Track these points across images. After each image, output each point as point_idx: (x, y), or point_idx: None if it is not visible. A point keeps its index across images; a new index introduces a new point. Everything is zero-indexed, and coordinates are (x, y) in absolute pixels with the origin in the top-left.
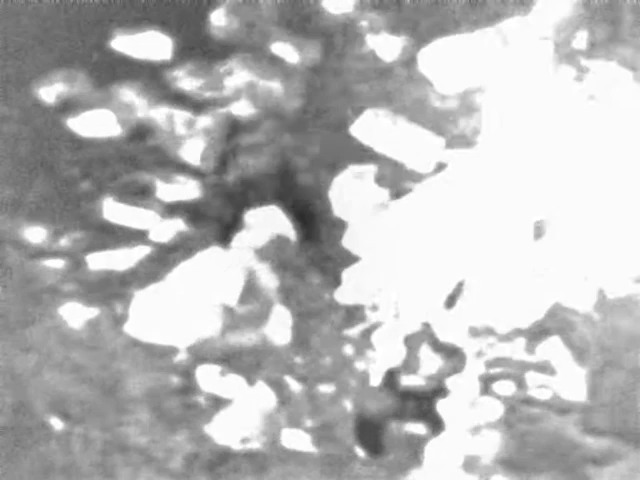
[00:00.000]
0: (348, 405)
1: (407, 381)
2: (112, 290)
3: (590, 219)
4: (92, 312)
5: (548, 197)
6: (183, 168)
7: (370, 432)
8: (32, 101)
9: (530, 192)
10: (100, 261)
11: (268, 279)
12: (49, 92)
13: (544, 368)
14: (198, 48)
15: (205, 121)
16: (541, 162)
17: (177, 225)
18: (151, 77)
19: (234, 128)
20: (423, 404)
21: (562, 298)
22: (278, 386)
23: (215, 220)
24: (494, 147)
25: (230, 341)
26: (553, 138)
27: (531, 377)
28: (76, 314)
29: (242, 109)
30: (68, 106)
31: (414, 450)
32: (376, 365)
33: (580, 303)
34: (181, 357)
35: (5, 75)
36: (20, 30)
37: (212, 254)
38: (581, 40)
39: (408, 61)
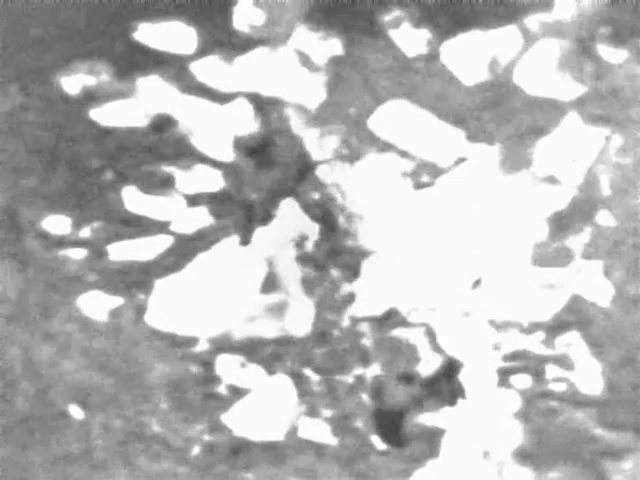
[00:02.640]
0: (367, 396)
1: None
2: (133, 280)
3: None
4: (113, 302)
5: (565, 191)
6: (205, 159)
7: (390, 423)
8: (54, 92)
9: (548, 187)
10: (121, 251)
11: (289, 270)
12: (72, 83)
13: (562, 362)
14: (222, 40)
15: (228, 112)
16: (562, 158)
17: (200, 216)
18: (174, 68)
19: (256, 121)
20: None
21: (581, 292)
22: (298, 377)
23: (237, 212)
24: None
25: (250, 332)
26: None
27: (549, 370)
28: (97, 304)
29: (265, 102)
30: (91, 97)
31: (431, 442)
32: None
33: (599, 297)
34: (201, 347)
35: (27, 66)
36: (42, 20)
37: (233, 245)
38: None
39: (430, 55)
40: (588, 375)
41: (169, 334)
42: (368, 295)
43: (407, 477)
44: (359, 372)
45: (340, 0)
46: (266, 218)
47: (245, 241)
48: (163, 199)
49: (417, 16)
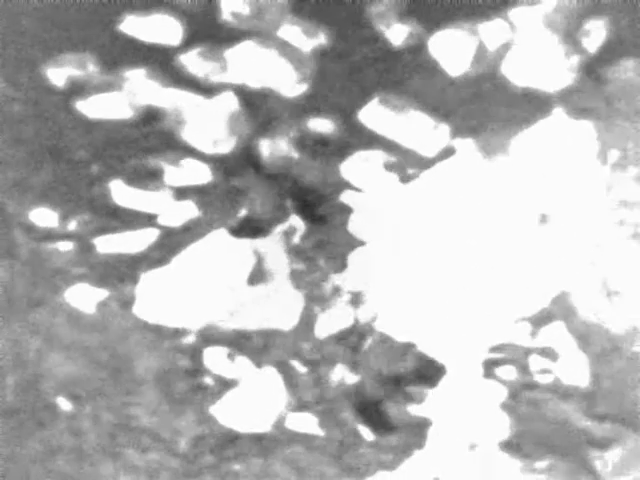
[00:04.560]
0: (353, 387)
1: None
2: (120, 272)
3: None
4: (100, 294)
5: (549, 187)
6: (192, 152)
7: (374, 410)
8: (41, 84)
9: (536, 179)
10: (108, 244)
11: (277, 262)
12: (58, 75)
13: (547, 353)
14: (208, 32)
15: (214, 105)
16: (548, 151)
17: (187, 208)
18: (161, 61)
19: (244, 112)
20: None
21: (567, 285)
22: (285, 369)
23: (225, 205)
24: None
25: (238, 324)
26: (559, 129)
27: (534, 362)
28: (84, 296)
29: (251, 94)
30: (77, 89)
31: (418, 433)
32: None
33: (584, 289)
34: (189, 339)
35: (15, 58)
36: (30, 12)
37: (221, 237)
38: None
39: (416, 47)
40: (574, 366)
41: (157, 326)
42: (355, 286)
43: (395, 468)
44: (346, 364)
45: None
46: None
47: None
48: (150, 192)
49: (404, 8)
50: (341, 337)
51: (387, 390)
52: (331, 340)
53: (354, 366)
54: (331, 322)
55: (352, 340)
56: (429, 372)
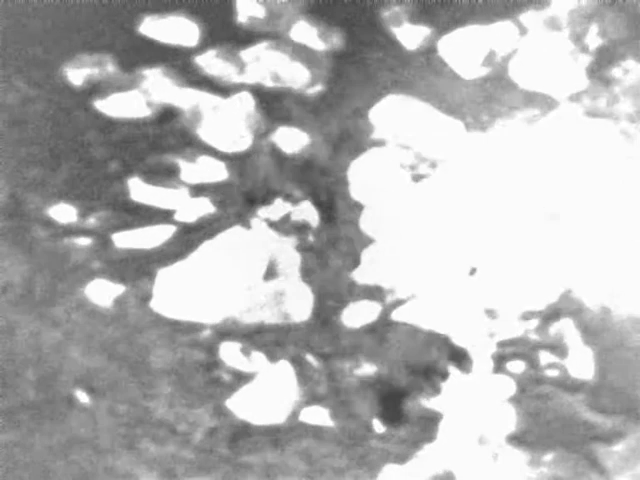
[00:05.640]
0: (371, 379)
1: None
2: (138, 268)
3: (602, 211)
4: (118, 289)
5: (562, 183)
6: (209, 150)
7: (390, 403)
8: (60, 84)
9: (545, 177)
10: (126, 240)
11: (290, 258)
12: (77, 75)
13: (556, 348)
14: (224, 34)
15: (231, 105)
16: (556, 150)
17: (203, 205)
18: (178, 61)
19: (260, 113)
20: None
21: (574, 281)
22: (298, 363)
23: (240, 201)
24: (509, 133)
25: (253, 318)
26: (569, 128)
27: (543, 357)
28: (102, 291)
29: (267, 94)
30: (96, 89)
31: (429, 426)
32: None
33: (591, 285)
34: (205, 334)
35: (34, 58)
36: (49, 13)
37: (236, 234)
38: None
39: (428, 50)
40: (580, 361)
41: (173, 321)
42: (368, 282)
43: (405, 460)
44: (359, 358)
45: None
46: (266, 202)
47: (246, 225)
48: (167, 189)
49: (415, 12)
50: (365, 330)
51: (412, 382)
52: (354, 333)
53: (375, 358)
54: (355, 316)
55: (377, 332)
56: (455, 361)
